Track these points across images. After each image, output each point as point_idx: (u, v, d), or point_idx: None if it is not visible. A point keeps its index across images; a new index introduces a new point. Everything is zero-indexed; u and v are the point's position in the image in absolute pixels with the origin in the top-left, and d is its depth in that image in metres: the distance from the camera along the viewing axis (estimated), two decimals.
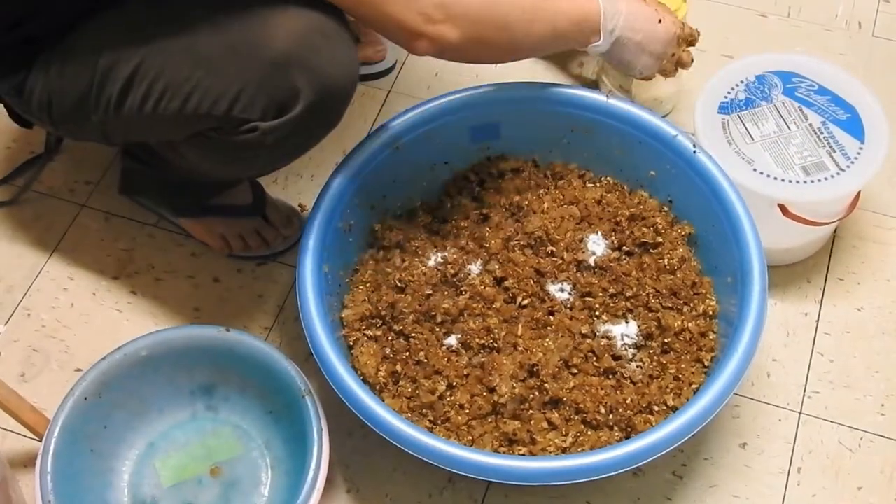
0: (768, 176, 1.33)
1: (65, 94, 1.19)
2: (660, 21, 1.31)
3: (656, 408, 1.23)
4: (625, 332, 1.29)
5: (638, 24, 1.29)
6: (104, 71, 1.15)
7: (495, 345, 1.26)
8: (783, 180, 1.32)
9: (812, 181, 1.33)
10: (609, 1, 1.27)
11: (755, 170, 1.34)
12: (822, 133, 1.37)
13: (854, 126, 1.36)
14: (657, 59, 1.34)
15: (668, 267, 1.32)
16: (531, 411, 1.23)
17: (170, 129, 1.20)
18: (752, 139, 1.37)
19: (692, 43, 1.37)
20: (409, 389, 1.25)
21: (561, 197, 1.39)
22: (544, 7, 1.22)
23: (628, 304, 1.30)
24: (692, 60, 1.37)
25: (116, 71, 1.14)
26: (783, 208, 1.33)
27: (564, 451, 1.20)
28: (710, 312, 1.29)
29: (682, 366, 1.26)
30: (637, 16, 1.29)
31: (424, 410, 1.23)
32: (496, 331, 1.27)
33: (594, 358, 1.26)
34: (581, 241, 1.34)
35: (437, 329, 1.28)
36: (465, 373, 1.25)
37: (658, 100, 1.59)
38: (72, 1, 1.15)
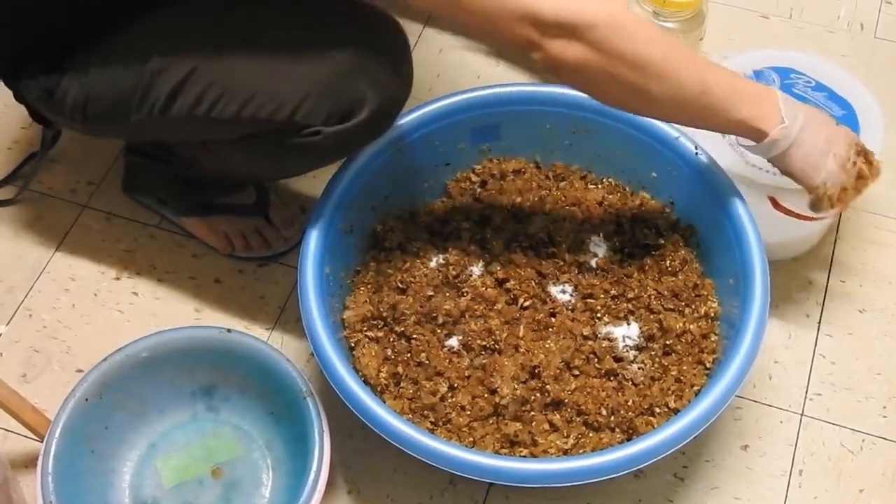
0: (760, 168, 1.32)
1: (104, 95, 1.18)
2: (837, 123, 1.18)
3: (658, 409, 1.23)
4: (626, 333, 1.29)
5: (818, 125, 1.14)
6: (152, 73, 1.14)
7: (497, 346, 1.26)
8: (775, 173, 1.29)
9: None
10: (785, 97, 1.13)
11: (747, 162, 1.33)
12: None
13: (849, 122, 1.35)
14: (842, 164, 1.15)
15: (669, 269, 1.32)
16: (532, 413, 1.22)
17: (221, 132, 1.19)
18: None
19: (870, 161, 1.19)
20: (411, 391, 1.25)
21: (562, 198, 1.39)
22: (697, 69, 1.08)
23: (630, 306, 1.30)
24: (878, 173, 1.20)
25: (167, 74, 1.13)
26: (774, 201, 1.33)
27: (566, 452, 1.20)
28: (712, 314, 1.29)
29: (684, 367, 1.26)
30: (815, 115, 1.16)
31: (426, 412, 1.23)
32: (497, 332, 1.27)
33: (596, 360, 1.26)
34: (583, 242, 1.34)
35: (439, 330, 1.28)
36: (466, 374, 1.25)
37: None
38: (109, 5, 1.14)
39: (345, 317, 1.31)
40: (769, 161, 1.17)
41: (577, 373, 1.25)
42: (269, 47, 1.12)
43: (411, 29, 1.73)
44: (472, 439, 1.21)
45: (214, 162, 1.28)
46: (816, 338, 1.42)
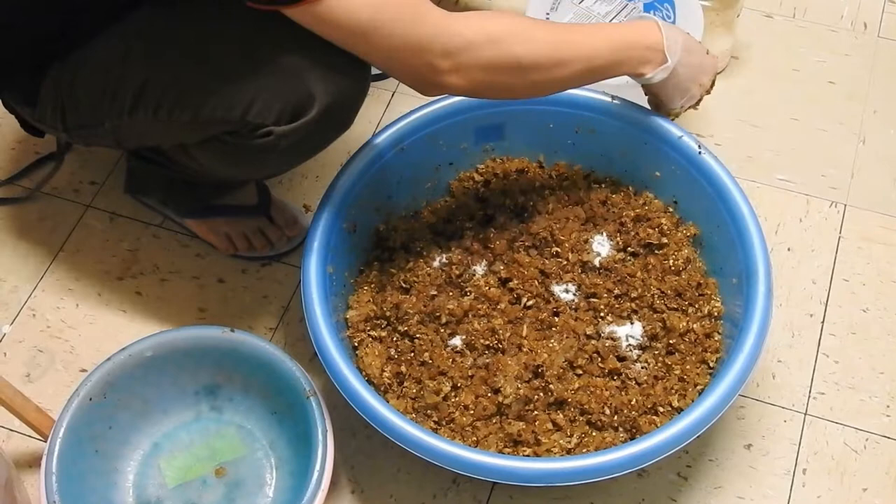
0: None
1: (78, 103, 1.20)
2: (707, 52, 1.28)
3: (661, 409, 1.23)
4: (630, 333, 1.29)
5: (692, 56, 1.25)
6: (117, 79, 1.16)
7: (500, 346, 1.26)
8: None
9: None
10: (668, 29, 1.23)
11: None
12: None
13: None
14: (702, 91, 1.30)
15: (673, 268, 1.32)
16: (536, 412, 1.22)
17: (184, 134, 1.21)
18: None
19: (719, 71, 1.33)
20: (414, 390, 1.25)
21: (566, 198, 1.39)
22: (574, 46, 1.17)
23: (633, 305, 1.30)
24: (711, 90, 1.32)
25: (129, 79, 1.15)
26: None
27: (569, 452, 1.20)
28: (715, 313, 1.29)
29: (687, 367, 1.26)
30: (692, 48, 1.25)
31: (429, 411, 1.23)
32: (501, 332, 1.27)
33: (599, 359, 1.26)
34: (586, 241, 1.34)
35: (442, 330, 1.28)
36: (469, 373, 1.25)
37: (713, 56, 1.60)
38: (82, 15, 1.15)
39: (348, 316, 1.31)
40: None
41: (580, 372, 1.25)
42: (220, 47, 1.12)
43: None
44: (475, 439, 1.21)
45: (195, 164, 1.29)
46: (820, 337, 1.42)
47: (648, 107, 1.35)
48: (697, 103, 1.31)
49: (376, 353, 1.27)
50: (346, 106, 1.17)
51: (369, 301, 1.32)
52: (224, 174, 1.32)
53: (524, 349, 1.26)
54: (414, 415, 1.23)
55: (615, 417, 1.22)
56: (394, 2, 1.05)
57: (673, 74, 1.23)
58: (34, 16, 1.16)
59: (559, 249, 1.33)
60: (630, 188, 1.41)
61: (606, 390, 1.24)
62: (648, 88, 1.28)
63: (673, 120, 1.32)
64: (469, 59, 1.09)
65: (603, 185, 1.41)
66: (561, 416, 1.22)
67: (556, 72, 1.16)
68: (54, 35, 1.17)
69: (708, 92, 1.30)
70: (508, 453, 1.20)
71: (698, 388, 1.24)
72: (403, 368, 1.26)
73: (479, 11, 1.14)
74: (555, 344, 1.26)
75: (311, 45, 1.08)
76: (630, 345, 1.28)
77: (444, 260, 1.34)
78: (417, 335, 1.28)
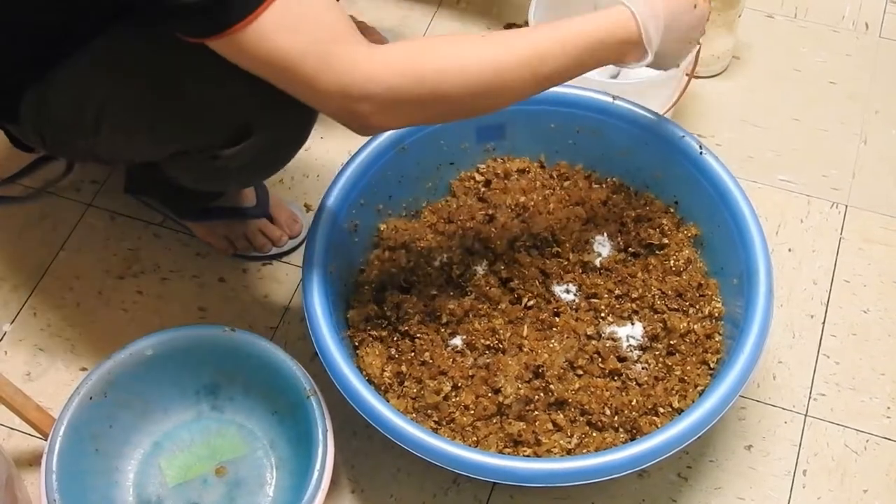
0: None
1: (51, 122, 1.21)
2: (695, 6, 1.16)
3: (662, 409, 1.23)
4: (630, 333, 1.29)
5: (679, 22, 1.15)
6: (80, 101, 1.17)
7: (500, 346, 1.26)
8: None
9: None
10: (645, 14, 1.11)
11: None
12: None
13: None
14: (695, 44, 1.21)
15: (673, 268, 1.32)
16: (536, 412, 1.22)
17: (147, 153, 1.22)
18: None
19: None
20: (414, 390, 1.25)
21: (567, 198, 1.39)
22: (521, 59, 1.07)
23: (634, 306, 1.30)
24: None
25: (90, 100, 1.16)
26: None
27: (569, 452, 1.20)
28: (716, 314, 1.29)
29: (688, 367, 1.26)
30: (675, 17, 1.14)
31: (429, 411, 1.23)
32: (501, 332, 1.27)
33: (599, 359, 1.26)
34: (587, 242, 1.34)
35: (443, 330, 1.28)
36: (470, 373, 1.25)
37: (715, 56, 1.64)
38: (56, 36, 1.16)
39: (349, 316, 1.31)
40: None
41: (580, 372, 1.25)
42: (170, 76, 1.11)
43: (420, 25, 1.74)
44: (475, 439, 1.21)
45: (174, 176, 1.29)
46: (821, 338, 1.42)
47: (646, 105, 1.35)
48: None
49: (377, 353, 1.27)
50: (288, 135, 1.17)
51: (370, 301, 1.32)
52: (195, 187, 1.33)
53: (525, 349, 1.26)
54: (414, 414, 1.23)
55: (615, 418, 1.22)
56: (307, 44, 0.98)
57: (658, 56, 1.15)
58: (10, 36, 1.16)
59: (560, 249, 1.33)
60: (631, 188, 1.41)
61: (607, 391, 1.24)
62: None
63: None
64: (391, 99, 1.02)
65: (604, 185, 1.41)
66: (561, 416, 1.22)
67: (504, 93, 1.08)
68: (30, 56, 1.17)
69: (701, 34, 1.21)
70: (509, 453, 1.20)
71: (699, 388, 1.24)
72: (404, 368, 1.26)
73: (405, 42, 1.09)
74: (555, 344, 1.26)
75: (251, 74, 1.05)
76: (631, 345, 1.28)
77: (444, 260, 1.34)
78: (418, 335, 1.28)
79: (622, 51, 1.12)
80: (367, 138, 1.34)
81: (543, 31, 1.09)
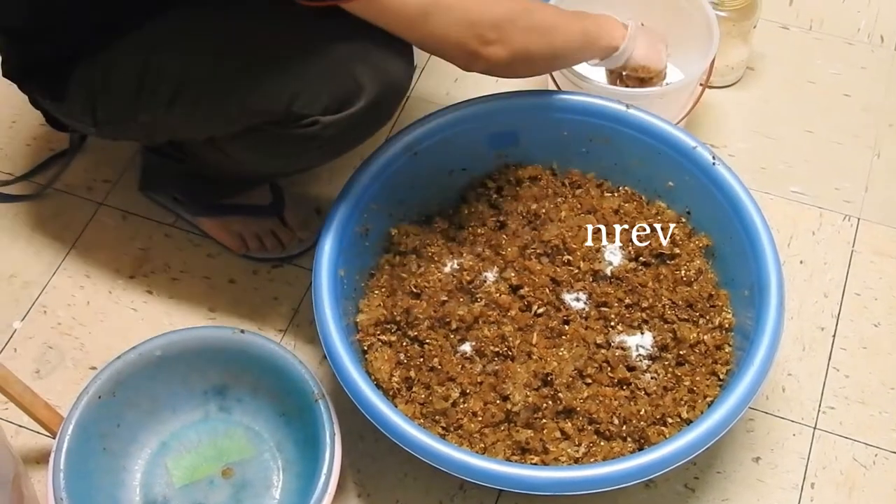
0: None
1: (111, 97, 1.21)
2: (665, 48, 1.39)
3: (670, 420, 1.22)
4: (640, 343, 1.28)
5: (643, 28, 1.35)
6: (154, 73, 1.17)
7: (509, 353, 1.26)
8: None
9: None
10: (630, 36, 1.31)
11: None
12: None
13: None
14: (664, 51, 1.40)
15: (684, 278, 1.32)
16: (544, 420, 1.22)
17: (222, 126, 1.22)
18: None
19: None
20: (423, 395, 1.25)
21: (578, 206, 1.38)
22: (574, 18, 1.26)
23: (644, 315, 1.30)
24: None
25: (167, 73, 1.16)
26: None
27: (577, 461, 1.20)
28: (726, 325, 1.29)
29: (697, 378, 1.25)
30: (649, 44, 1.35)
31: (437, 417, 1.23)
32: (511, 339, 1.27)
33: (608, 368, 1.26)
34: (598, 250, 1.34)
35: (452, 336, 1.28)
36: (478, 380, 1.25)
37: (729, 66, 1.64)
38: (114, 12, 1.16)
39: (358, 320, 1.31)
40: (619, 68, 1.37)
41: (589, 381, 1.25)
42: (263, 39, 1.14)
43: None
44: (482, 445, 1.21)
45: (223, 159, 1.29)
46: (831, 351, 1.42)
47: (660, 114, 1.35)
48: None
49: (385, 358, 1.27)
50: (392, 96, 1.20)
51: (380, 305, 1.32)
52: (256, 166, 1.33)
53: (534, 357, 1.26)
54: (422, 420, 1.23)
55: (624, 427, 1.22)
56: None
57: (638, 44, 1.34)
58: (65, 12, 1.16)
59: (571, 258, 1.33)
60: (643, 197, 1.41)
61: (615, 400, 1.23)
62: (626, 62, 1.36)
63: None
64: (513, 28, 1.16)
65: (616, 194, 1.41)
66: (569, 424, 1.22)
67: (566, 40, 1.25)
68: (85, 31, 1.17)
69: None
70: (516, 461, 1.20)
71: (708, 399, 1.24)
72: (412, 373, 1.26)
73: None
74: (564, 352, 1.26)
75: (357, 35, 1.12)
76: (640, 355, 1.28)
77: (455, 266, 1.34)
78: (427, 340, 1.28)
79: (612, 31, 1.31)
80: (380, 142, 1.34)
81: (579, 14, 1.30)
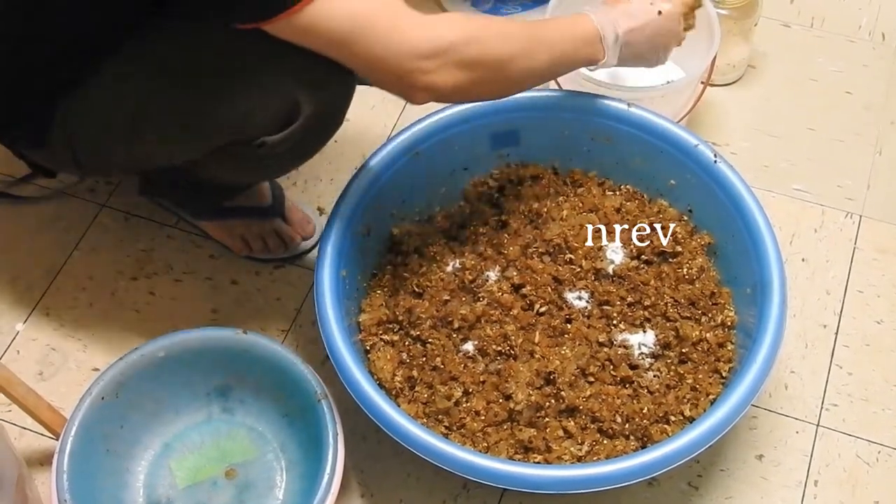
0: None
1: (87, 137, 1.22)
2: (659, 12, 1.29)
3: (673, 418, 1.22)
4: (642, 341, 1.28)
5: (638, 23, 1.27)
6: (120, 109, 1.18)
7: (512, 352, 1.26)
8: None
9: None
10: (601, 12, 1.26)
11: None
12: None
13: None
14: (668, 49, 1.32)
15: (686, 277, 1.32)
16: (547, 419, 1.22)
17: (190, 152, 1.22)
18: None
19: (697, 6, 1.34)
20: (425, 395, 1.25)
21: (580, 205, 1.38)
22: (539, 38, 1.19)
23: (646, 314, 1.30)
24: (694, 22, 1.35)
25: (130, 108, 1.17)
26: None
27: (580, 459, 1.20)
28: (729, 323, 1.29)
29: (700, 376, 1.25)
30: (634, 15, 1.27)
31: (440, 416, 1.23)
32: (513, 338, 1.27)
33: (611, 367, 1.26)
34: (599, 249, 1.34)
35: (454, 335, 1.28)
36: (481, 379, 1.25)
37: (730, 64, 1.64)
38: (83, 52, 1.17)
39: (360, 320, 1.31)
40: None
41: (592, 380, 1.25)
42: (212, 73, 1.13)
43: None
44: (485, 445, 1.21)
45: (203, 170, 1.30)
46: (833, 348, 1.42)
47: (661, 113, 1.35)
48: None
49: (388, 358, 1.27)
50: (332, 110, 1.19)
51: (382, 305, 1.32)
52: (230, 180, 1.34)
53: (536, 356, 1.26)
54: (425, 420, 1.23)
55: (626, 426, 1.22)
56: (372, 11, 1.06)
57: (634, 57, 1.28)
58: (37, 61, 1.17)
59: (573, 256, 1.33)
60: (645, 196, 1.41)
61: (618, 398, 1.23)
62: (617, 63, 1.29)
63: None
64: (453, 58, 1.10)
65: (617, 193, 1.41)
66: (572, 423, 1.22)
67: (529, 65, 1.18)
68: (57, 75, 1.18)
69: (688, 30, 1.34)
70: (519, 460, 1.20)
71: (710, 397, 1.24)
72: (415, 373, 1.26)
73: (451, 13, 1.16)
74: (567, 351, 1.26)
75: (293, 53, 1.08)
76: (642, 353, 1.28)
77: (457, 265, 1.34)
78: (430, 340, 1.28)
79: (588, 48, 1.24)
80: (381, 142, 1.34)
81: (549, 24, 1.25)
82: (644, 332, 1.29)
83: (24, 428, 1.36)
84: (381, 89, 1.14)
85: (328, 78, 1.13)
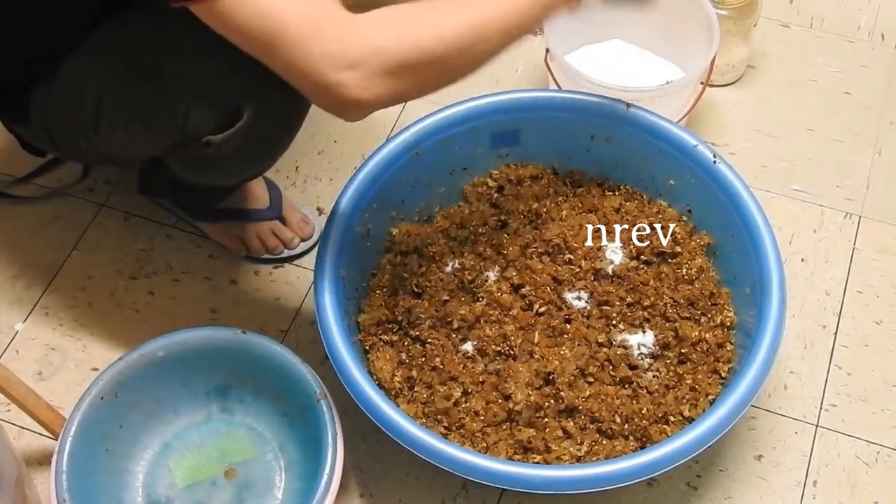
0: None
1: (57, 121, 1.22)
2: None
3: (672, 418, 1.22)
4: (641, 341, 1.28)
5: None
6: (80, 96, 1.17)
7: (511, 352, 1.26)
8: None
9: None
10: None
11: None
12: None
13: None
14: None
15: (686, 277, 1.32)
16: (546, 419, 1.22)
17: (145, 147, 1.21)
18: None
19: None
20: (425, 395, 1.25)
21: (579, 205, 1.38)
22: (485, 16, 1.06)
23: (645, 314, 1.30)
24: None
25: (88, 96, 1.17)
26: None
27: (579, 459, 1.20)
28: (728, 323, 1.29)
29: (699, 376, 1.25)
30: None
31: (439, 416, 1.23)
32: (512, 338, 1.27)
33: (610, 367, 1.26)
34: (599, 249, 1.34)
35: (454, 335, 1.28)
36: (480, 379, 1.25)
37: (730, 64, 1.64)
38: (58, 34, 1.17)
39: (360, 320, 1.31)
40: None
41: (591, 380, 1.25)
42: (157, 64, 1.11)
43: None
44: (485, 445, 1.21)
45: (173, 171, 1.29)
46: (832, 348, 1.42)
47: (661, 113, 1.35)
48: None
49: (387, 358, 1.27)
50: (282, 107, 1.14)
51: (381, 305, 1.32)
52: (197, 182, 1.32)
53: (536, 356, 1.26)
54: (424, 420, 1.23)
55: (626, 426, 1.22)
56: (290, 9, 0.95)
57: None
58: (15, 37, 1.16)
59: (572, 256, 1.33)
60: (644, 196, 1.41)
61: (617, 398, 1.23)
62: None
63: None
64: (379, 66, 0.98)
65: (617, 193, 1.41)
66: (571, 423, 1.22)
67: (473, 50, 1.05)
68: (35, 56, 1.18)
69: None
70: (518, 460, 1.20)
71: (710, 397, 1.24)
72: (414, 373, 1.26)
73: (378, 10, 1.02)
74: (566, 351, 1.26)
75: (240, 53, 1.01)
76: (642, 353, 1.28)
77: (456, 265, 1.34)
78: (429, 340, 1.28)
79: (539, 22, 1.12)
80: (381, 142, 1.34)
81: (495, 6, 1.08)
82: (643, 332, 1.29)
83: (24, 427, 1.36)
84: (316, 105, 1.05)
85: (276, 82, 1.02)
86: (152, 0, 1.03)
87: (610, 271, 1.33)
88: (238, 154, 1.17)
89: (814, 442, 1.34)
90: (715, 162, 1.31)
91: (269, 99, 1.12)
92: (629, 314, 1.30)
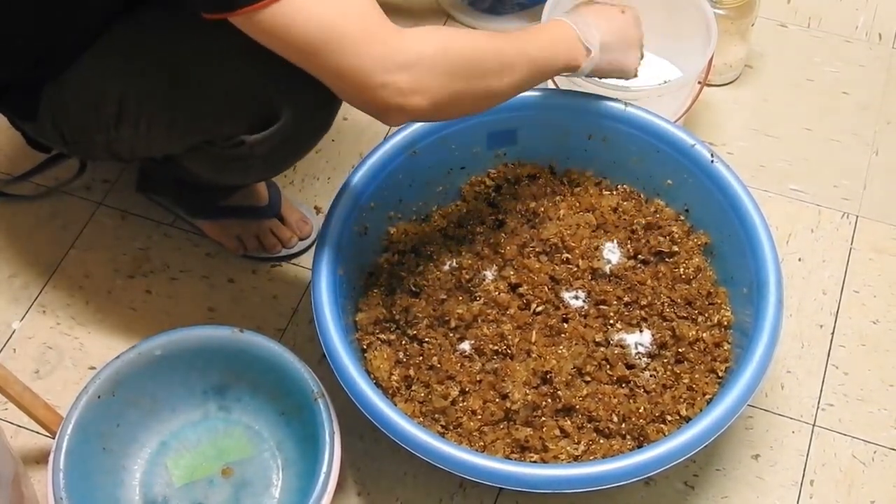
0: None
1: (70, 119, 1.22)
2: (622, 11, 1.29)
3: (669, 417, 1.23)
4: (639, 340, 1.28)
5: (612, 25, 1.26)
6: (100, 95, 1.17)
7: (509, 351, 1.26)
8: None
9: None
10: (575, 15, 1.25)
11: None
12: None
13: None
14: (640, 48, 1.31)
15: (683, 276, 1.32)
16: (543, 418, 1.22)
17: (168, 145, 1.22)
18: None
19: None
20: (422, 394, 1.25)
21: (577, 204, 1.39)
22: (517, 47, 1.15)
23: (643, 313, 1.30)
24: None
25: (109, 94, 1.17)
26: None
27: (576, 458, 1.20)
28: (725, 323, 1.29)
29: (696, 376, 1.25)
30: (603, 15, 1.26)
31: (436, 415, 1.23)
32: (510, 337, 1.27)
33: (608, 366, 1.26)
34: (596, 248, 1.34)
35: (451, 334, 1.28)
36: (477, 379, 1.25)
37: (727, 64, 1.64)
38: (70, 32, 1.16)
39: (357, 319, 1.31)
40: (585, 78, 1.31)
41: (588, 379, 1.25)
42: (192, 64, 1.12)
43: None
44: (482, 444, 1.21)
45: (189, 169, 1.30)
46: (829, 348, 1.42)
47: (658, 112, 1.35)
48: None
49: (385, 357, 1.27)
50: (318, 108, 1.17)
51: (379, 304, 1.32)
52: (214, 181, 1.33)
53: (533, 355, 1.26)
54: (421, 419, 1.23)
55: (623, 425, 1.22)
56: (342, 18, 0.99)
57: (602, 56, 1.25)
58: (29, 30, 1.16)
59: (570, 256, 1.33)
60: (642, 195, 1.41)
61: (615, 398, 1.23)
62: (593, 74, 1.29)
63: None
64: (426, 71, 1.04)
65: (614, 192, 1.41)
66: (569, 422, 1.22)
67: (506, 75, 1.13)
68: (47, 53, 1.18)
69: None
70: (515, 459, 1.20)
71: (707, 397, 1.24)
72: (412, 372, 1.26)
73: (422, 27, 1.08)
74: (564, 350, 1.26)
75: (278, 57, 1.03)
76: (639, 353, 1.28)
77: (454, 264, 1.34)
78: (426, 339, 1.28)
79: (575, 49, 1.22)
80: (379, 141, 1.34)
81: (521, 34, 1.19)
82: (641, 331, 1.29)
83: (21, 426, 1.36)
84: (354, 107, 1.08)
85: (312, 84, 1.05)
86: (173, 2, 1.04)
87: (607, 270, 1.33)
88: (270, 154, 1.18)
89: (811, 441, 1.35)
90: (712, 161, 1.31)
91: (305, 100, 1.13)
92: (626, 313, 1.30)
